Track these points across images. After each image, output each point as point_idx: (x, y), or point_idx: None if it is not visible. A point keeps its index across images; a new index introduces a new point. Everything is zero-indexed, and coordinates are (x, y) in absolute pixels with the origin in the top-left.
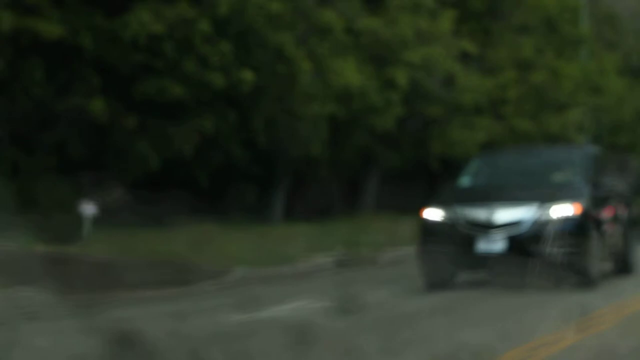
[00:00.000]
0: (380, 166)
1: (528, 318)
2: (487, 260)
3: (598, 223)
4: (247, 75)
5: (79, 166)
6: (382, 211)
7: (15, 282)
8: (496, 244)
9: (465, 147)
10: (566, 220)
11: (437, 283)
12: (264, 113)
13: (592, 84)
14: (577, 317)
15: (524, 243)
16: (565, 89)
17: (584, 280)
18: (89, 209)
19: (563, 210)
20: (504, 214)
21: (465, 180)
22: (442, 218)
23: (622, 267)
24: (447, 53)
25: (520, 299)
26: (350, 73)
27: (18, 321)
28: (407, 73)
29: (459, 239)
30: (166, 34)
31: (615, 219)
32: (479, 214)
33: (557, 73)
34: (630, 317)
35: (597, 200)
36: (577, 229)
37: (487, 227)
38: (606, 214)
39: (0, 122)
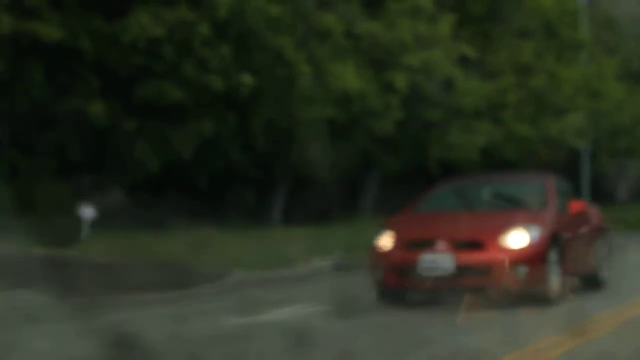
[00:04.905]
0: (379, 170)
1: (527, 322)
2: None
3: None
4: (247, 79)
5: (78, 169)
6: (381, 215)
7: (14, 284)
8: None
9: (464, 151)
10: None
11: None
12: (264, 116)
13: (592, 88)
14: (576, 321)
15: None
16: (564, 93)
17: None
18: (88, 211)
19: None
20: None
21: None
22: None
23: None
24: (446, 57)
25: (520, 303)
26: (349, 76)
27: (17, 324)
28: (406, 77)
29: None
30: (166, 37)
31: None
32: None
33: (556, 77)
34: (629, 321)
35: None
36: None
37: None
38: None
39: None
